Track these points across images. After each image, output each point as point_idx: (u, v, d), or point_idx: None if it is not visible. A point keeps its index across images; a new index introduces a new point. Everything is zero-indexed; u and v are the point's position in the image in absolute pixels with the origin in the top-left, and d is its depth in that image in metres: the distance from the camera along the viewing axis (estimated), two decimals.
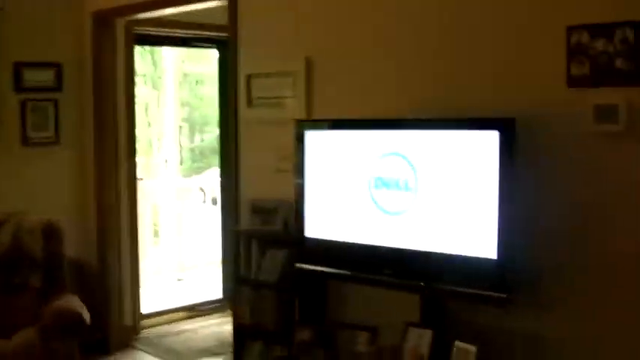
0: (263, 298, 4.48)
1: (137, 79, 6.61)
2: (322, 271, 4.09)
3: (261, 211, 4.59)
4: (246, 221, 4.76)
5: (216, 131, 8.04)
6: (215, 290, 7.03)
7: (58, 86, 5.81)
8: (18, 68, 5.64)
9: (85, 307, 4.51)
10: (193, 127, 11.33)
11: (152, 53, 10.02)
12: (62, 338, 4.33)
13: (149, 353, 5.81)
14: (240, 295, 4.61)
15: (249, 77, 4.84)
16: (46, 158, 5.79)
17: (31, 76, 5.70)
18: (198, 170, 10.69)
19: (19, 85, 5.66)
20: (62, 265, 4.87)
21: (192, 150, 11.33)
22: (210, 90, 9.18)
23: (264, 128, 4.77)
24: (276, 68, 4.66)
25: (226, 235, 6.40)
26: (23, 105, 5.67)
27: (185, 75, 10.83)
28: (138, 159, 6.36)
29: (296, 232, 4.20)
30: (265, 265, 4.46)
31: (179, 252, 8.51)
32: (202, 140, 11.28)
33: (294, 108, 4.54)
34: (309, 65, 4.48)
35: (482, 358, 3.49)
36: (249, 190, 4.86)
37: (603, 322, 3.34)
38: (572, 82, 3.36)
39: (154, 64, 10.11)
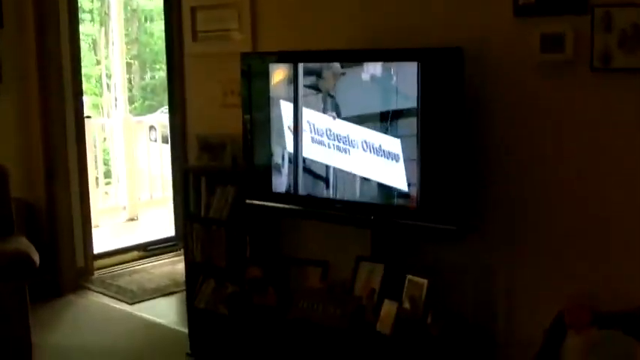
0: (214, 236, 4.44)
1: (83, 16, 6.39)
2: (272, 207, 4.05)
3: (209, 147, 4.52)
4: (195, 158, 4.68)
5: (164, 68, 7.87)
6: (168, 229, 6.97)
7: None
8: None
9: (33, 248, 4.43)
10: (144, 64, 11.13)
11: None
12: (11, 280, 4.25)
13: (102, 294, 5.76)
14: (191, 233, 4.56)
15: (193, 10, 4.71)
16: None
17: None
18: (150, 109, 10.53)
19: None
20: (9, 207, 4.76)
21: (143, 88, 11.15)
22: (160, 26, 8.99)
23: (210, 62, 4.66)
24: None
25: (176, 172, 6.32)
26: None
27: (133, 11, 10.59)
28: (88, 98, 6.21)
29: (245, 168, 4.15)
30: (215, 202, 4.41)
31: (131, 191, 8.41)
32: (153, 78, 11.09)
33: (240, 41, 4.44)
34: None
35: (434, 290, 3.50)
36: (197, 126, 4.77)
37: (550, 253, 3.37)
38: (519, 11, 3.31)
39: None
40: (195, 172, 4.54)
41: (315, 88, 3.76)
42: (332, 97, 3.70)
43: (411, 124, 3.41)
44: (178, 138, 5.98)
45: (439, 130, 3.34)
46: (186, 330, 4.69)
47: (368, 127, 3.56)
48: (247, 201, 4.14)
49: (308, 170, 3.85)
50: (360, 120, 3.60)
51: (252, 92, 4.04)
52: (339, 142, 3.68)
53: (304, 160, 3.85)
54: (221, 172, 4.42)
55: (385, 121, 3.50)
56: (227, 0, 4.51)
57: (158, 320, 5.18)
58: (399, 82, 3.44)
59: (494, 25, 3.41)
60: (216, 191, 4.39)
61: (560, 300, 3.17)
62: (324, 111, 3.73)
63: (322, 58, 3.76)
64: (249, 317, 4.00)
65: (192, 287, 4.60)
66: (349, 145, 3.65)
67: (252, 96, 4.04)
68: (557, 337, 3.07)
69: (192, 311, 4.59)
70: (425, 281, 3.51)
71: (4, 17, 5.57)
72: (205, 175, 4.46)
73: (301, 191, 3.90)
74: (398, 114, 3.46)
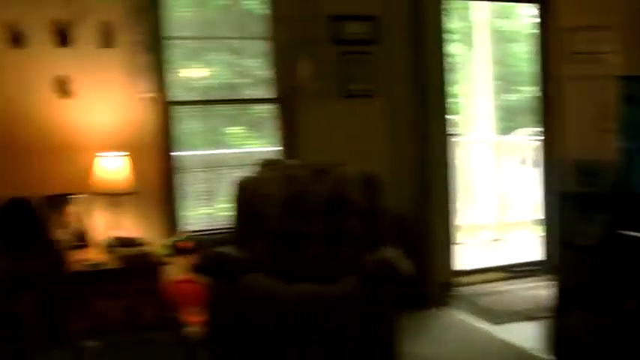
0: (586, 264, 4.30)
1: (450, 36, 6.44)
2: None
3: (585, 172, 4.39)
4: (567, 182, 4.58)
5: (527, 90, 7.80)
6: (532, 252, 6.86)
7: (374, 39, 5.90)
8: (333, 21, 5.75)
9: (403, 259, 4.47)
10: (505, 85, 11.14)
11: (464, 8, 9.92)
12: (382, 289, 4.39)
13: (465, 310, 5.82)
14: (563, 259, 4.46)
15: (569, 31, 4.63)
16: (363, 110, 5.90)
17: (348, 29, 5.80)
18: (510, 129, 10.50)
19: (336, 38, 5.78)
20: (384, 217, 4.89)
21: (504, 109, 11.15)
22: (519, 47, 8.93)
23: (584, 85, 4.54)
24: (594, 21, 4.41)
25: (547, 196, 6.19)
26: (341, 57, 5.81)
27: (494, 31, 10.64)
28: (451, 116, 6.30)
29: (621, 197, 3.98)
30: (589, 229, 4.27)
31: (496, 211, 8.40)
32: (515, 98, 11.05)
33: (616, 63, 4.28)
34: (631, 18, 4.19)
35: None
36: (573, 150, 4.68)
37: None
38: None
39: (465, 19, 10.03)
40: (569, 197, 4.42)
41: None
42: None
43: None
44: (550, 161, 5.88)
45: None
46: (551, 358, 4.59)
47: None
48: (619, 231, 3.96)
49: None
50: None
51: (630, 118, 3.87)
52: None
53: None
54: (596, 198, 4.27)
55: None
56: (603, 21, 4.38)
57: (521, 344, 5.11)
58: None
59: None
60: (591, 218, 4.25)
61: None
62: None
63: None
64: (622, 352, 3.82)
65: (560, 316, 4.49)
66: None
67: (631, 122, 3.87)
68: None
69: (560, 339, 4.48)
70: None
71: (382, 34, 5.87)
72: (580, 200, 4.33)
73: None
74: None
